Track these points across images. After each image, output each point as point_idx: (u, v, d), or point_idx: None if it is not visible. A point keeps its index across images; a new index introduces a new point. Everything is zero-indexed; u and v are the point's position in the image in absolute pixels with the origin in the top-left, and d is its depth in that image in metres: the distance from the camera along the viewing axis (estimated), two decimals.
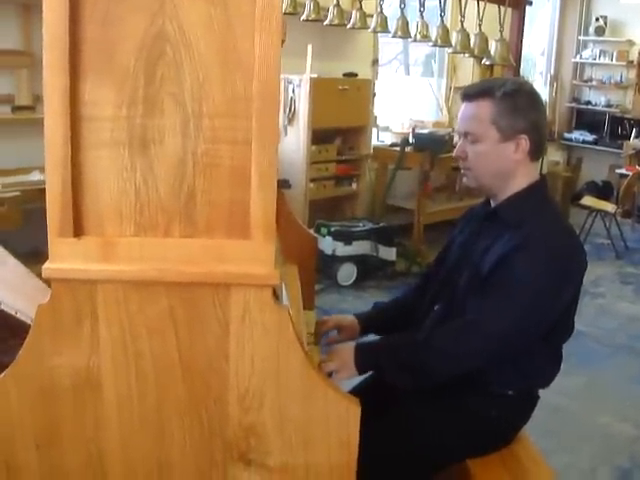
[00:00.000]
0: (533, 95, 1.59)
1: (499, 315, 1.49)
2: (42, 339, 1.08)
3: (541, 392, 1.69)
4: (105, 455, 1.14)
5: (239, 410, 1.12)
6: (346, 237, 4.79)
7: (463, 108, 1.61)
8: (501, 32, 3.42)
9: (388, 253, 4.92)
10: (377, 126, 5.72)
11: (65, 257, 1.05)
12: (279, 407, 1.12)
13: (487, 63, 3.88)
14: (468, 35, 3.30)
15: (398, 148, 5.38)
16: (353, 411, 1.13)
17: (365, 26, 3.45)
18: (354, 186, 5.36)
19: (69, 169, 1.02)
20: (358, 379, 1.75)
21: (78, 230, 1.05)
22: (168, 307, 1.08)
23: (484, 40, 3.37)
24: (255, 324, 1.08)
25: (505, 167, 1.57)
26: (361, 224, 4.97)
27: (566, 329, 1.64)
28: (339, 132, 5.23)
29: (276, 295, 1.09)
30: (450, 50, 3.47)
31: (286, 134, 5.11)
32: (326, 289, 4.94)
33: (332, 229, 4.83)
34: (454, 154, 1.66)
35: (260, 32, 0.98)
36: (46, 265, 1.05)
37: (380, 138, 5.80)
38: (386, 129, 5.87)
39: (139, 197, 1.06)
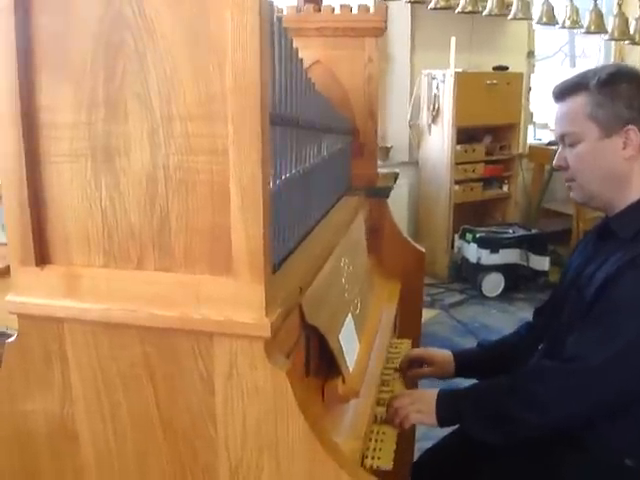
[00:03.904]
0: (637, 79, 1.27)
1: (599, 349, 1.16)
2: (13, 380, 0.94)
3: None
4: None
5: None
6: (493, 244, 4.38)
7: (556, 110, 1.31)
8: None
9: (540, 262, 4.43)
10: (533, 123, 5.20)
11: (29, 289, 0.89)
12: None
13: None
14: (627, 20, 2.80)
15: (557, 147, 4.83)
16: None
17: (528, 17, 3.07)
18: (505, 188, 4.90)
19: (25, 187, 0.85)
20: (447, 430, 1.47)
21: (41, 258, 0.88)
22: (142, 354, 0.88)
23: None
24: (245, 383, 0.85)
25: (615, 169, 1.27)
26: (511, 230, 4.52)
27: None
28: (488, 130, 4.80)
29: (272, 349, 0.85)
30: (606, 37, 2.98)
31: (430, 133, 4.80)
32: (469, 300, 4.57)
33: (477, 235, 4.45)
34: (554, 164, 1.35)
35: (232, 9, 0.74)
36: (10, 297, 0.90)
37: (537, 136, 5.27)
38: (544, 126, 5.32)
39: (106, 220, 0.86)
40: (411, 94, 4.92)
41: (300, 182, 1.28)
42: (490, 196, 4.90)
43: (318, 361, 1.23)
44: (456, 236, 4.77)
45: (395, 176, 4.44)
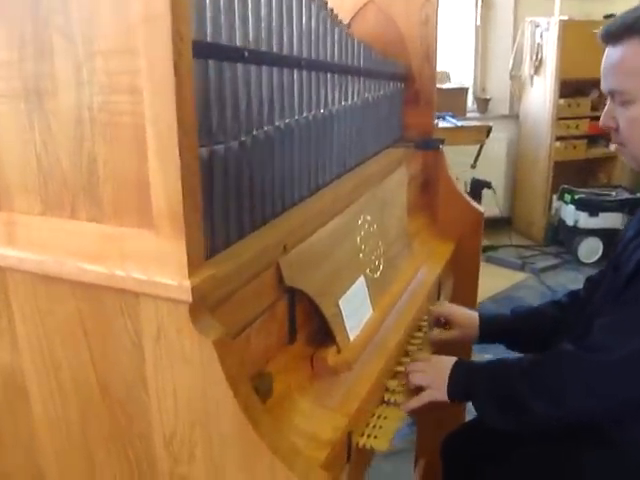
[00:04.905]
0: None
1: (626, 339, 0.98)
2: None
3: None
4: (44, 473, 0.95)
5: (167, 457, 0.83)
6: (592, 207, 4.05)
7: (605, 56, 1.07)
8: None
9: None
10: None
11: None
12: (215, 465, 0.80)
13: None
14: None
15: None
16: None
17: None
18: (612, 147, 4.48)
19: None
20: None
21: None
22: (76, 310, 0.82)
23: None
24: (173, 350, 0.77)
25: None
26: (614, 193, 4.16)
27: None
28: (595, 84, 4.37)
29: (201, 314, 0.76)
30: None
31: (532, 85, 4.46)
32: (563, 265, 4.29)
33: (577, 196, 4.13)
34: (600, 124, 1.13)
35: None
36: None
37: None
38: None
39: (41, 165, 0.80)
40: (513, 43, 4.58)
41: (305, 131, 1.16)
42: (594, 155, 4.51)
43: (315, 327, 1.14)
44: (555, 196, 4.45)
45: (488, 129, 4.20)
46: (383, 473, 2.26)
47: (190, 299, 0.72)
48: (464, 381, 1.18)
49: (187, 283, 0.72)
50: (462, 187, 4.25)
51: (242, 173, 0.96)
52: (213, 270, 0.75)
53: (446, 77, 4.73)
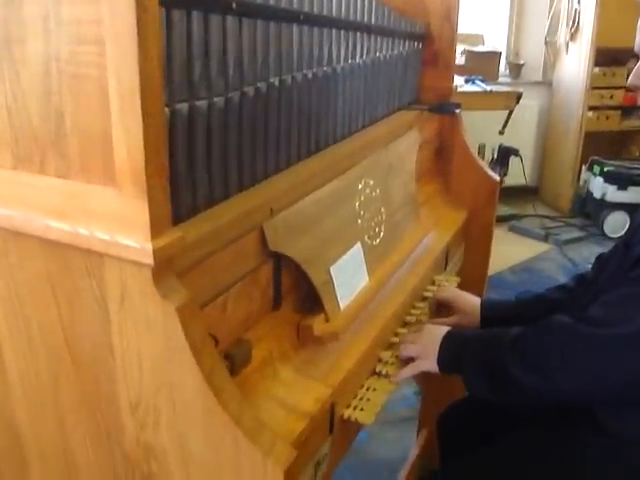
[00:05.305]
0: None
1: (630, 315, 0.93)
2: None
3: None
4: (20, 433, 0.94)
5: (134, 422, 0.81)
6: (621, 180, 3.93)
7: None
8: None
9: None
10: None
11: None
12: (179, 434, 0.78)
13: None
14: None
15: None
16: (276, 472, 0.74)
17: None
18: None
19: None
20: None
21: None
22: (45, 268, 0.79)
23: None
24: (137, 314, 0.74)
25: None
26: None
27: None
28: (633, 54, 4.20)
29: (165, 277, 0.72)
30: None
31: (567, 52, 4.30)
32: (587, 238, 4.19)
33: (606, 169, 4.00)
34: (628, 82, 1.06)
35: None
36: None
37: None
38: None
39: (11, 117, 0.76)
40: (550, 8, 4.40)
41: (304, 89, 1.11)
42: (628, 127, 4.36)
43: (303, 293, 1.11)
44: (584, 168, 4.33)
45: (518, 96, 4.06)
46: (386, 440, 2.25)
47: (152, 262, 0.69)
48: (454, 352, 1.14)
49: (149, 246, 0.68)
50: (489, 153, 4.17)
51: (229, 131, 0.92)
52: (180, 232, 0.72)
53: (479, 40, 4.59)
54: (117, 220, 0.70)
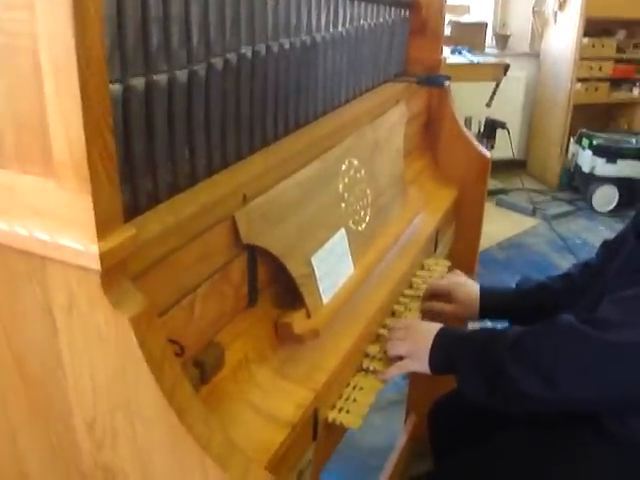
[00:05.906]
0: None
1: (634, 320, 0.86)
2: None
3: None
4: None
5: (90, 443, 0.72)
6: (610, 153, 3.85)
7: None
8: None
9: None
10: None
11: None
12: (140, 457, 0.69)
13: None
14: None
15: None
16: None
17: None
18: (635, 92, 4.23)
19: None
20: None
21: None
22: None
23: None
24: (87, 325, 0.64)
25: None
26: (634, 140, 3.94)
27: None
28: (622, 24, 4.10)
29: (115, 283, 0.62)
30: None
31: (555, 22, 4.18)
32: (575, 212, 4.12)
33: (594, 142, 3.92)
34: None
35: None
36: None
37: None
38: None
39: None
40: None
41: (280, 61, 1.00)
42: (617, 99, 4.27)
43: (282, 286, 1.01)
44: (572, 140, 4.25)
45: (505, 67, 3.95)
46: (372, 426, 2.17)
47: (99, 267, 0.58)
48: (447, 353, 1.05)
49: (95, 248, 0.58)
50: (475, 126, 4.06)
51: (193, 109, 0.81)
52: (133, 230, 0.62)
53: (465, 10, 4.46)
54: (58, 217, 0.60)
